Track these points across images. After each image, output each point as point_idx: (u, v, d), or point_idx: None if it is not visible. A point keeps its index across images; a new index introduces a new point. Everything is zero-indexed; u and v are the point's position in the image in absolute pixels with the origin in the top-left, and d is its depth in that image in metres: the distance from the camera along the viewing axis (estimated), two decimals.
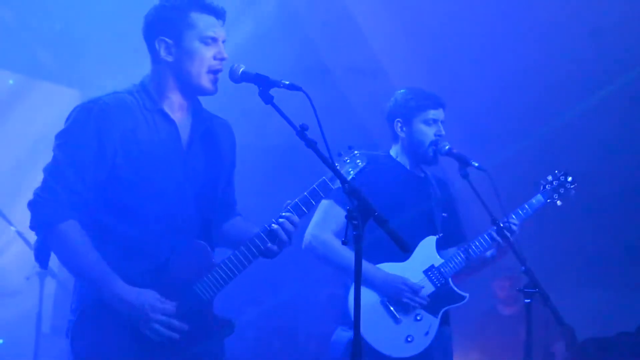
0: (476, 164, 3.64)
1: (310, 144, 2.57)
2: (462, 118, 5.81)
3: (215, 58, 2.84)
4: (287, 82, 2.68)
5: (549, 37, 5.73)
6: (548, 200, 3.93)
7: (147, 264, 2.75)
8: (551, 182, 3.96)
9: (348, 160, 2.91)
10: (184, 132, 2.90)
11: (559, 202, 3.94)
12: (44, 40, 5.96)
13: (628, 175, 6.29)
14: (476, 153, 3.94)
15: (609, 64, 5.82)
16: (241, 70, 2.76)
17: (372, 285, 3.65)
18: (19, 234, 4.63)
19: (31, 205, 2.71)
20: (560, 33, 5.69)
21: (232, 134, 3.09)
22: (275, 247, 2.81)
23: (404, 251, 2.54)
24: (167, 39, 2.84)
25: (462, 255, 3.77)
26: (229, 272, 2.78)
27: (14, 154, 5.80)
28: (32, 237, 4.59)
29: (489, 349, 5.98)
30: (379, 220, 2.45)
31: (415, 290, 3.66)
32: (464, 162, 3.66)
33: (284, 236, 2.78)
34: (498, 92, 6.12)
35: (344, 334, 3.70)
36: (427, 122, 3.85)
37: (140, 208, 2.76)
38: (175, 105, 2.89)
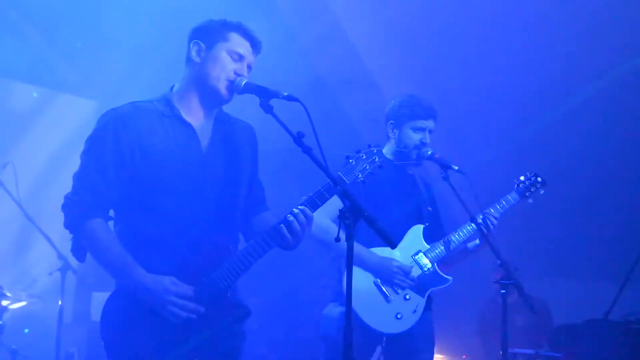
0: (456, 167, 3.66)
1: (306, 150, 2.59)
2: (446, 123, 5.84)
3: (235, 72, 2.86)
4: (286, 94, 2.70)
5: (530, 45, 5.75)
6: (521, 198, 4.03)
7: (168, 259, 2.75)
8: (524, 182, 4.04)
9: (364, 157, 2.87)
10: (204, 136, 2.90)
11: (530, 200, 4.03)
12: (65, 56, 5.99)
13: (599, 175, 6.33)
14: (458, 155, 3.98)
15: (582, 71, 5.85)
16: (244, 82, 2.80)
17: (367, 267, 3.70)
18: (44, 235, 4.62)
19: (63, 208, 2.79)
20: (540, 41, 5.72)
21: (254, 136, 3.09)
22: (290, 238, 2.79)
23: (391, 247, 2.55)
24: (201, 43, 2.89)
25: (443, 246, 3.84)
26: (245, 261, 2.78)
27: (38, 161, 5.81)
28: (55, 238, 4.62)
29: (489, 333, 5.98)
30: (369, 220, 2.46)
31: (406, 272, 3.72)
32: (444, 166, 3.69)
33: (297, 227, 2.76)
34: (480, 99, 6.16)
35: (335, 309, 3.74)
36: (415, 129, 3.90)
37: (160, 207, 2.77)
38: (193, 111, 2.89)
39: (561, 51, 5.75)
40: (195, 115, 2.90)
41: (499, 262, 3.37)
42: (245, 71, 2.89)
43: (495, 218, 3.87)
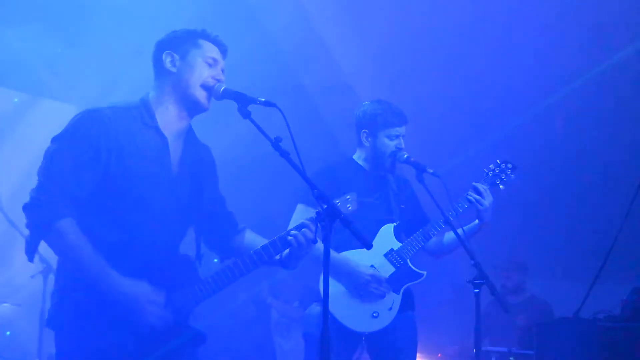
0: (431, 171, 3.71)
1: (284, 154, 2.63)
2: (422, 126, 5.91)
3: (214, 78, 2.87)
4: (263, 99, 2.73)
5: (504, 47, 5.83)
6: (492, 187, 3.97)
7: (131, 268, 2.67)
8: (493, 170, 4.02)
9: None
10: (176, 153, 2.88)
11: (501, 187, 3.99)
12: (45, 62, 5.95)
13: (590, 178, 6.43)
14: (434, 157, 4.03)
15: (555, 73, 5.94)
16: (222, 88, 2.83)
17: (340, 278, 3.75)
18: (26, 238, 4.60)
19: (28, 206, 2.65)
20: (514, 43, 5.80)
21: (212, 156, 3.11)
22: (287, 255, 2.87)
23: (367, 248, 2.59)
24: (174, 53, 2.88)
25: (415, 242, 3.88)
26: (224, 279, 2.81)
27: (19, 165, 5.77)
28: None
29: (493, 332, 6.03)
30: (344, 222, 2.51)
31: (379, 280, 3.76)
32: (420, 169, 3.74)
33: (301, 240, 2.82)
34: (452, 102, 6.23)
35: (316, 308, 3.82)
36: (390, 137, 3.94)
37: (127, 217, 2.72)
38: (170, 122, 2.86)
39: (535, 53, 5.83)
40: (171, 128, 2.87)
41: (472, 262, 3.41)
42: (222, 76, 2.91)
43: (467, 205, 3.86)
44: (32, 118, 6.08)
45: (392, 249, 3.88)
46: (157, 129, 2.83)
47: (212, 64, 2.89)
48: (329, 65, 6.22)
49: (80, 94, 5.99)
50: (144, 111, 2.84)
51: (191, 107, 2.88)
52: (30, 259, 2.75)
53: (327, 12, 5.76)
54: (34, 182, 2.70)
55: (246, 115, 2.73)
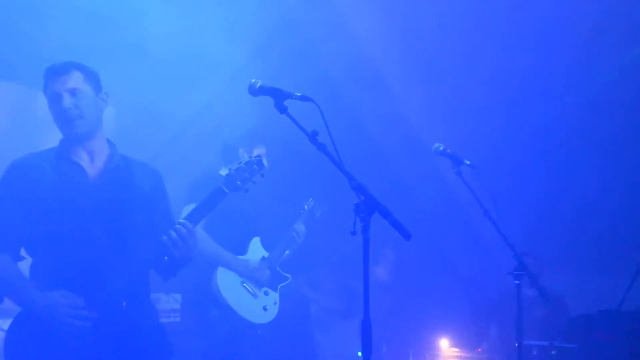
0: (468, 162, 3.68)
1: (321, 147, 2.64)
2: (452, 118, 5.87)
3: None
4: (299, 94, 2.74)
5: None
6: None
7: (59, 281, 2.87)
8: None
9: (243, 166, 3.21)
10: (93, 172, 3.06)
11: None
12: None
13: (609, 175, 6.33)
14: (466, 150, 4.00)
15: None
16: (258, 84, 2.82)
17: (233, 267, 4.49)
18: None
19: None
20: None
21: (153, 178, 3.22)
22: (173, 254, 2.96)
23: (406, 238, 2.56)
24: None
25: (277, 251, 4.75)
26: None
27: None
28: None
29: (506, 325, 5.98)
30: (383, 213, 2.50)
31: (254, 269, 4.60)
32: (457, 161, 3.71)
33: (177, 240, 2.95)
34: (485, 92, 6.15)
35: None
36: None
37: (53, 244, 2.91)
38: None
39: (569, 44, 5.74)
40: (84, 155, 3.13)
41: (513, 253, 3.38)
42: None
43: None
44: None
45: (263, 257, 4.69)
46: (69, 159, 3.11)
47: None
48: (358, 56, 6.16)
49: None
50: (58, 148, 3.15)
51: None
52: None
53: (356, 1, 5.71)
54: None
55: (283, 110, 2.74)
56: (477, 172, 3.61)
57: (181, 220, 2.99)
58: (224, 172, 4.51)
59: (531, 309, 5.79)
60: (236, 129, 4.88)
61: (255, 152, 4.52)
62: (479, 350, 5.91)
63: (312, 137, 2.64)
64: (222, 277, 4.43)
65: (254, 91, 2.84)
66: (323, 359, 6.41)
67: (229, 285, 4.43)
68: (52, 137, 3.20)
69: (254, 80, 2.85)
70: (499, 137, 6.16)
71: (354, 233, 2.61)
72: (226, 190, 3.09)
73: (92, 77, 3.08)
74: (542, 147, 6.14)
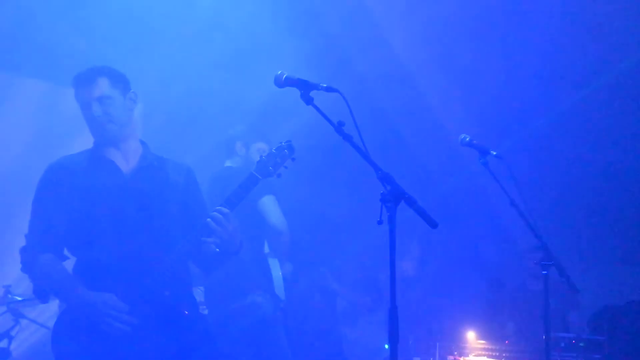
0: (494, 153, 3.67)
1: (347, 138, 2.64)
2: (481, 114, 5.84)
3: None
4: (325, 85, 2.75)
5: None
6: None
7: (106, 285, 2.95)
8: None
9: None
10: (128, 170, 3.15)
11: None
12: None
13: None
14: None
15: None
16: (285, 76, 2.83)
17: None
18: None
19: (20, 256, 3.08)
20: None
21: (185, 174, 3.28)
22: (211, 240, 2.97)
23: (432, 227, 2.56)
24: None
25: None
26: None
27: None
28: None
29: (521, 320, 5.96)
30: (409, 202, 2.51)
31: None
32: (483, 152, 3.69)
33: (215, 226, 2.95)
34: (514, 89, 6.12)
35: None
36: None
37: (95, 241, 3.00)
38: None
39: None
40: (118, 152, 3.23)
41: (540, 243, 3.36)
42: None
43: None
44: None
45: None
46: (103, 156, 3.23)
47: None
48: (387, 53, 6.17)
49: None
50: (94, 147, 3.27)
51: None
52: (43, 300, 3.41)
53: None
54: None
55: (309, 101, 2.74)
56: (503, 163, 3.59)
57: (217, 207, 2.99)
58: (228, 163, 4.65)
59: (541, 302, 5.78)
60: (236, 123, 4.96)
61: (254, 147, 4.61)
62: (507, 342, 5.89)
63: (339, 127, 2.65)
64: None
65: (280, 83, 2.84)
66: (350, 352, 6.43)
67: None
68: (83, 134, 3.27)
69: (279, 71, 2.86)
70: (522, 127, 6.12)
71: (380, 222, 2.62)
72: (258, 176, 3.08)
73: (119, 81, 3.14)
74: (567, 139, 6.08)
